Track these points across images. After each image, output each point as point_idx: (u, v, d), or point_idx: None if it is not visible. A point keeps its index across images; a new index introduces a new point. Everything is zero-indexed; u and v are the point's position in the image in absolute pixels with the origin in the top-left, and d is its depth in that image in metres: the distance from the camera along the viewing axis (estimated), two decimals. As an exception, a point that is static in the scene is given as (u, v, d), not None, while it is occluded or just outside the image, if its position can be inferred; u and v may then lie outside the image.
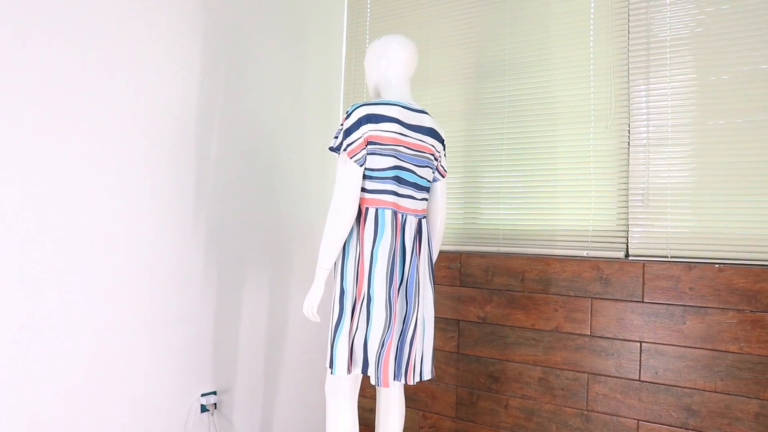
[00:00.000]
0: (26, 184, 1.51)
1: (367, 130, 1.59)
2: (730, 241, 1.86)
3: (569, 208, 2.17)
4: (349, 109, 1.63)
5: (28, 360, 1.51)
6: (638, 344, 1.97)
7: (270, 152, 2.33)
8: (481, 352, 2.29)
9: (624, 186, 2.06)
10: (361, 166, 1.59)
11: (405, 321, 1.62)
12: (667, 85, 2.00)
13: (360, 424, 2.61)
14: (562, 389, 2.11)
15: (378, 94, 1.81)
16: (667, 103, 2.00)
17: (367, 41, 2.76)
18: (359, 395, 2.63)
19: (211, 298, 2.05)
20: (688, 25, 1.98)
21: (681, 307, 1.90)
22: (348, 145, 1.59)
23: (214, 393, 2.05)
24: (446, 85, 2.50)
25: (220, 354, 2.09)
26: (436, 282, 2.42)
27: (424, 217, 1.77)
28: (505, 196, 2.31)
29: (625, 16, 2.10)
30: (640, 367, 1.96)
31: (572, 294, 2.10)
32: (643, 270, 1.97)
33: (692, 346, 1.88)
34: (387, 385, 1.57)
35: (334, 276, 1.67)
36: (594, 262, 2.07)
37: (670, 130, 1.99)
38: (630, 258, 2.03)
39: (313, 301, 1.64)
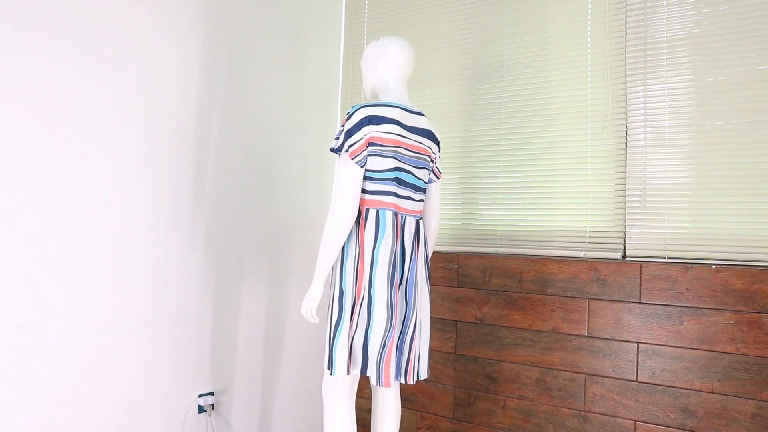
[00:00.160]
0: (26, 184, 1.52)
1: (368, 131, 1.60)
2: (727, 242, 1.87)
3: (566, 209, 2.17)
4: (350, 110, 1.63)
5: (26, 359, 1.52)
6: (635, 345, 1.97)
7: (268, 152, 2.33)
8: (479, 353, 2.29)
9: (621, 187, 2.07)
10: (362, 167, 1.59)
11: (404, 321, 1.63)
12: (664, 86, 2.00)
13: (357, 425, 2.61)
14: (560, 390, 2.11)
15: (375, 95, 1.81)
16: (664, 104, 2.00)
17: (365, 42, 2.76)
18: (357, 396, 2.63)
19: (209, 298, 2.05)
20: (685, 26, 1.98)
21: (678, 308, 1.91)
22: (350, 146, 1.59)
23: (212, 393, 2.06)
24: (444, 86, 2.50)
25: (218, 354, 2.09)
26: (433, 283, 2.42)
27: (421, 217, 1.78)
28: (503, 197, 2.31)
29: (622, 17, 2.10)
30: (637, 368, 1.96)
31: (569, 295, 2.10)
32: (641, 271, 1.97)
33: (689, 347, 1.88)
34: (389, 384, 1.57)
35: (332, 277, 1.68)
36: (591, 263, 2.07)
37: (667, 131, 1.99)
38: (627, 259, 2.03)
39: (312, 302, 1.64)
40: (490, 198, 2.34)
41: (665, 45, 2.01)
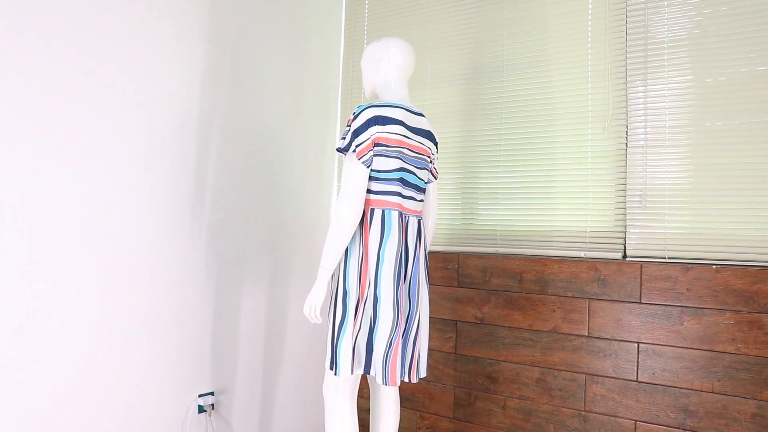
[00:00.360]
0: (26, 184, 1.51)
1: (375, 131, 1.60)
2: (728, 242, 1.87)
3: (567, 209, 2.17)
4: (356, 110, 1.63)
5: (26, 360, 1.51)
6: (636, 345, 1.97)
7: (269, 152, 2.33)
8: (479, 353, 2.29)
9: (621, 187, 2.07)
10: (368, 167, 1.60)
11: (408, 320, 1.64)
12: (664, 86, 2.01)
13: (358, 425, 2.61)
14: (560, 390, 2.11)
15: (375, 96, 1.81)
16: (664, 104, 2.00)
17: (365, 42, 2.76)
18: (357, 396, 2.63)
19: (210, 298, 2.05)
20: (685, 26, 1.98)
21: (678, 308, 1.91)
22: (357, 146, 1.59)
23: (212, 393, 2.05)
24: (444, 86, 2.50)
25: (218, 354, 2.09)
26: (433, 283, 2.42)
27: (422, 217, 1.79)
28: (503, 197, 2.31)
29: (622, 18, 2.10)
30: (637, 368, 1.97)
31: (570, 295, 2.11)
32: (641, 271, 1.98)
33: (689, 346, 1.89)
34: (395, 383, 1.58)
35: (335, 277, 1.67)
36: (591, 263, 2.07)
37: (667, 131, 1.99)
38: (627, 259, 2.03)
39: (316, 302, 1.64)
40: (490, 198, 2.34)
41: (666, 45, 2.01)
